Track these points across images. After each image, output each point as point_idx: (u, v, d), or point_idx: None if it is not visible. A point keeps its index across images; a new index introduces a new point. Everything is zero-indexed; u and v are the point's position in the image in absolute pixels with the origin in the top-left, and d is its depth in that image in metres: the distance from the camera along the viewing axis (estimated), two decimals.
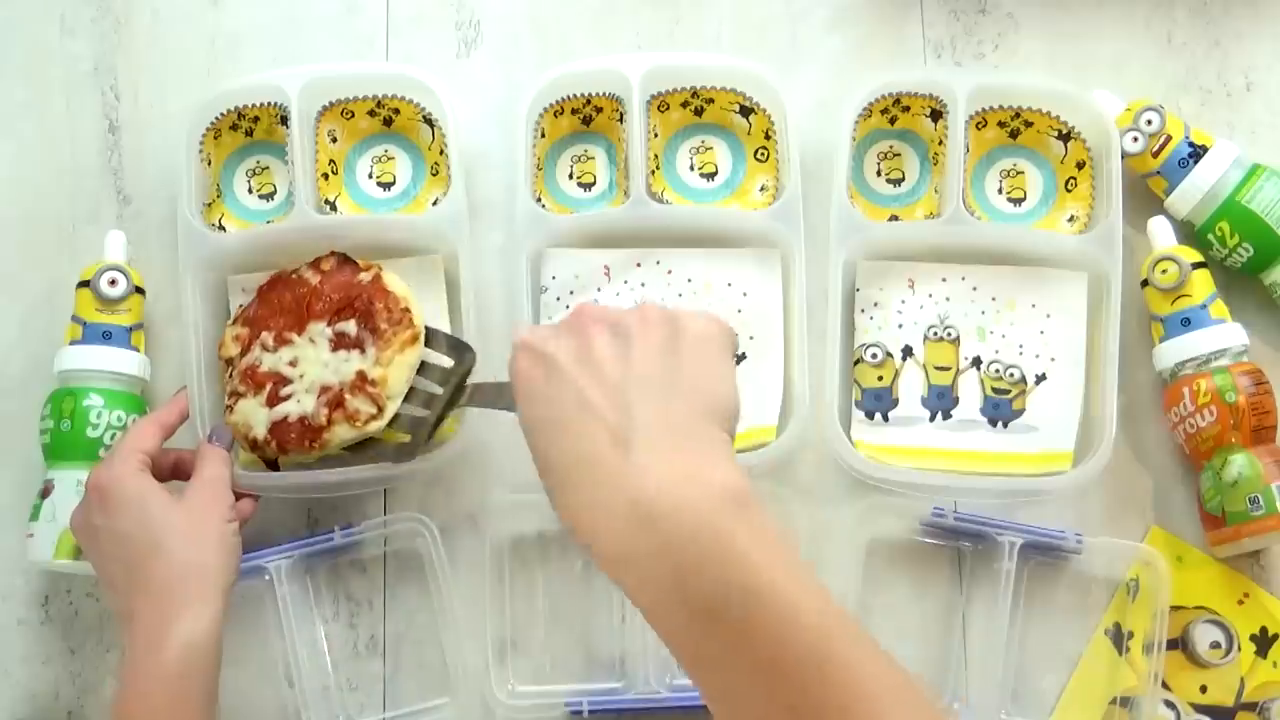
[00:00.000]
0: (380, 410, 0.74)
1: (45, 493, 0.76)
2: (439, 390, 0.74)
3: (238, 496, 0.74)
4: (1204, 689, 0.77)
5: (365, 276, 0.77)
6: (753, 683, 0.48)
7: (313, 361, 0.75)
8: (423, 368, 0.75)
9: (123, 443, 0.72)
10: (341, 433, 0.74)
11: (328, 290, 0.77)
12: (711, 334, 0.58)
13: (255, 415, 0.75)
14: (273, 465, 0.77)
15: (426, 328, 0.76)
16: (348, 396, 0.74)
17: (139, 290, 0.80)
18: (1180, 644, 0.77)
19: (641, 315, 0.58)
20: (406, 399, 0.74)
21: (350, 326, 0.75)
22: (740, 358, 0.79)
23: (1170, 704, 0.76)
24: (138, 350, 0.79)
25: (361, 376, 0.74)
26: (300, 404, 0.75)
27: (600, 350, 0.56)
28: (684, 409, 0.54)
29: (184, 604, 0.67)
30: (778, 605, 0.48)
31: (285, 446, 0.75)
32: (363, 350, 0.75)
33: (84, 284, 0.78)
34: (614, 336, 0.57)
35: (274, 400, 0.75)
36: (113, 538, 0.69)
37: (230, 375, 0.77)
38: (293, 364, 0.76)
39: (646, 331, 0.57)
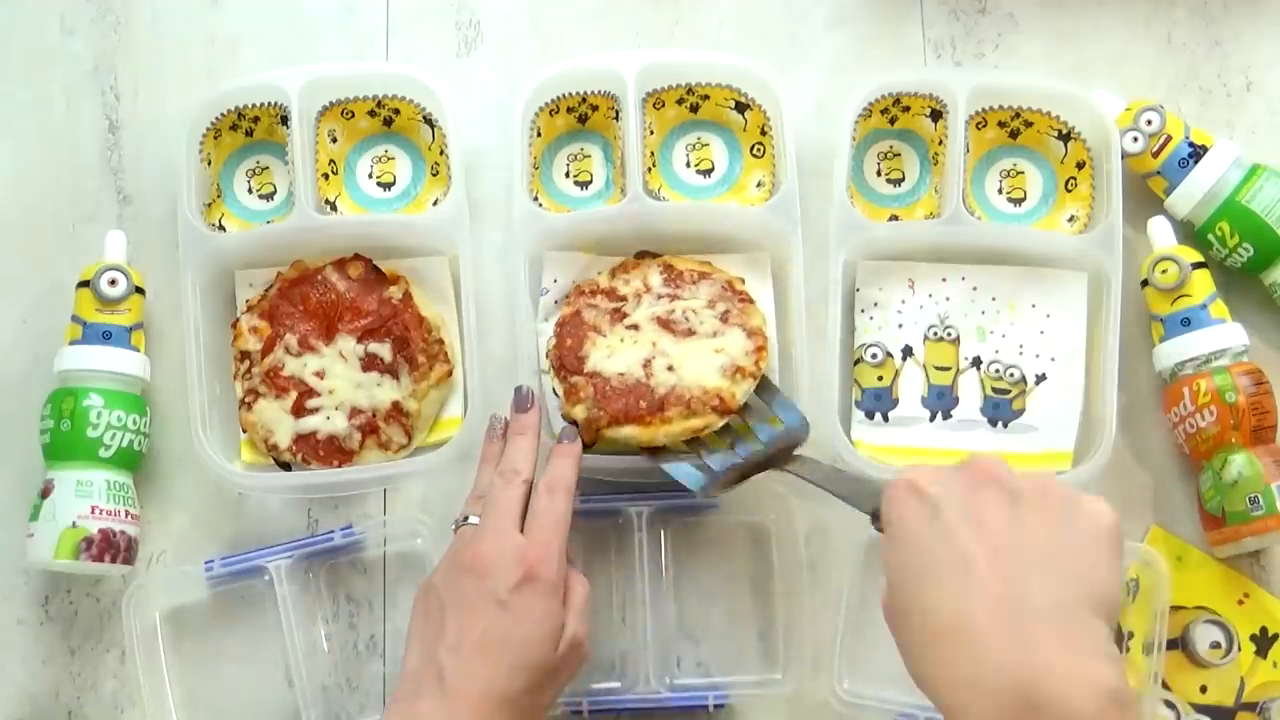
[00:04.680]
0: (409, 440, 0.78)
1: (45, 493, 0.76)
2: (760, 444, 0.73)
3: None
4: (1204, 689, 0.77)
5: (395, 292, 0.78)
6: None
7: (342, 378, 0.77)
8: (748, 410, 0.73)
9: (543, 518, 0.67)
10: (371, 457, 0.77)
11: (358, 303, 0.78)
12: (1108, 521, 0.54)
13: (279, 421, 0.77)
14: (285, 466, 0.78)
15: (766, 379, 0.75)
16: (381, 425, 0.77)
17: (139, 290, 0.80)
18: (1180, 644, 0.77)
19: (1040, 485, 0.55)
20: (719, 438, 0.73)
21: (384, 350, 0.77)
22: None
23: (1170, 704, 0.76)
24: (138, 350, 0.79)
25: (396, 407, 0.77)
26: (331, 422, 0.77)
27: (993, 515, 0.54)
28: (1071, 593, 0.51)
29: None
30: None
31: (309, 461, 0.77)
32: (395, 376, 0.77)
33: (84, 284, 0.78)
34: (1007, 498, 0.54)
35: (300, 410, 0.76)
36: (505, 616, 0.64)
37: (249, 371, 0.78)
38: (319, 375, 0.77)
39: (1043, 502, 0.54)
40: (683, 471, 0.72)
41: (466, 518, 0.69)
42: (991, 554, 0.52)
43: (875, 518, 0.59)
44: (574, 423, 0.74)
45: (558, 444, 0.72)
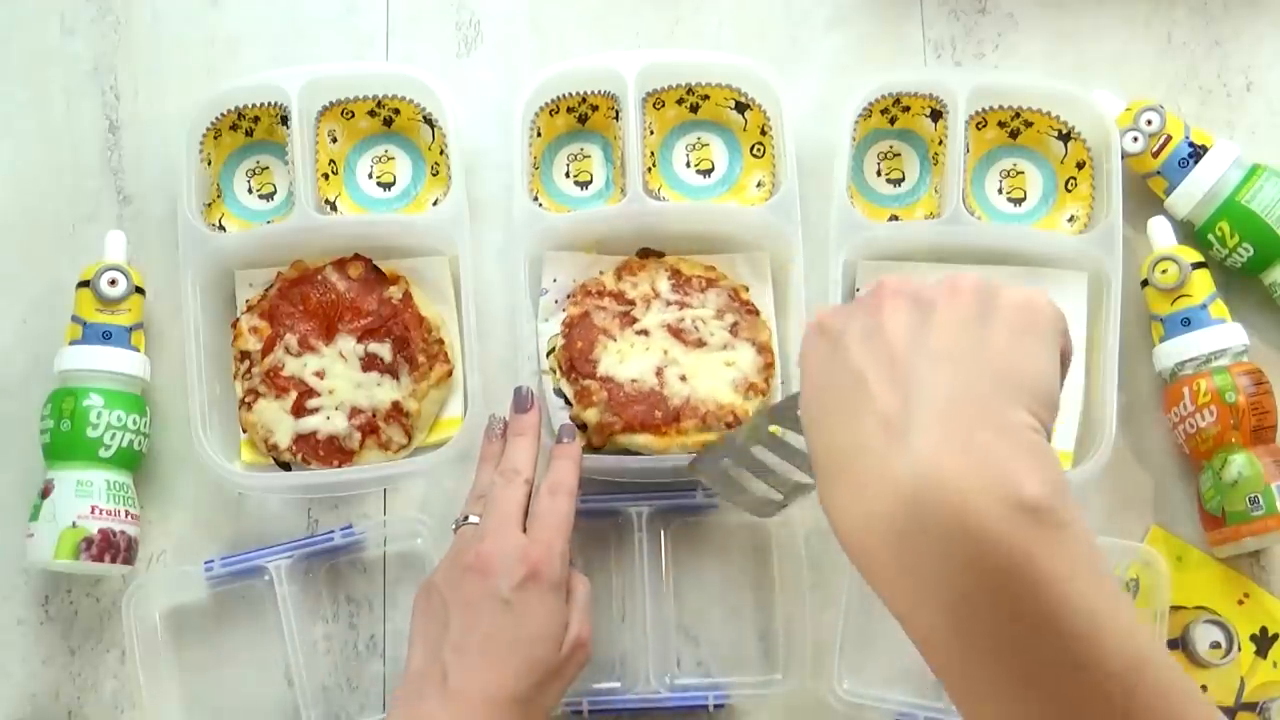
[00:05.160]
0: (409, 440, 0.77)
1: (45, 493, 0.76)
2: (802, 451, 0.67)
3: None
4: (1204, 689, 0.77)
5: (395, 292, 0.78)
6: None
7: (342, 378, 0.77)
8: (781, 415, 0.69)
9: (546, 517, 0.66)
10: (371, 457, 0.77)
11: (358, 303, 0.78)
12: (1035, 307, 0.47)
13: (279, 421, 0.77)
14: (285, 466, 0.78)
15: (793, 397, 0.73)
16: (381, 425, 0.77)
17: (139, 290, 0.80)
18: (1180, 644, 0.77)
19: (951, 284, 0.48)
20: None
21: (384, 350, 0.77)
22: None
23: None
24: (138, 350, 0.79)
25: (396, 407, 0.77)
26: (331, 422, 0.76)
27: (893, 324, 0.47)
28: (986, 390, 0.44)
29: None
30: (1078, 647, 0.40)
31: (309, 461, 0.77)
32: (395, 376, 0.77)
33: (84, 284, 0.78)
34: (914, 307, 0.48)
35: (300, 410, 0.76)
36: (509, 615, 0.63)
37: (249, 371, 0.78)
38: (319, 375, 0.77)
39: (954, 302, 0.47)
40: (748, 502, 0.69)
41: (467, 517, 0.69)
42: (886, 366, 0.46)
43: None
44: (583, 426, 0.75)
45: (558, 444, 0.72)
